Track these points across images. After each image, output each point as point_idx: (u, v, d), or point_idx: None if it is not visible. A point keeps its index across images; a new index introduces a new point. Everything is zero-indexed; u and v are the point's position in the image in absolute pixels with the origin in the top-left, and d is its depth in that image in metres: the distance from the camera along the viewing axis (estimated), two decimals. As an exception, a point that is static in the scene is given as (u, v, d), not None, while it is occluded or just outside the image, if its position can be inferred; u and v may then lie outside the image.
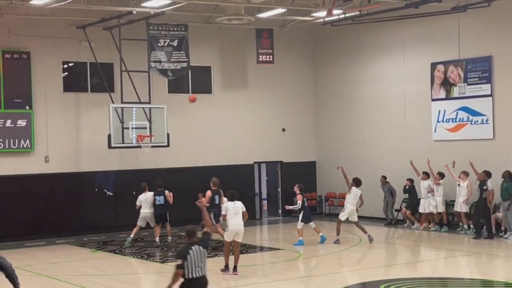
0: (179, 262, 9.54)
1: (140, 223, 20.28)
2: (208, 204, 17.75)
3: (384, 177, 24.17)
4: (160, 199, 20.17)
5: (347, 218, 20.02)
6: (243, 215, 15.37)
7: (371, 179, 24.25)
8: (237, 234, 15.26)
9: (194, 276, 9.57)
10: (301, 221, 19.83)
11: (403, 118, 24.50)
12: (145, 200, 20.23)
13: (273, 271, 16.53)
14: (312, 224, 20.05)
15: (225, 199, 17.08)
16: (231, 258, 15.52)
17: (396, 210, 24.20)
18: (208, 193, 18.56)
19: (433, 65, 23.33)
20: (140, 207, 20.19)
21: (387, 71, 25.16)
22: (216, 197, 18.76)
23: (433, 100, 23.36)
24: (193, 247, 9.68)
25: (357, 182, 20.16)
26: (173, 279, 9.58)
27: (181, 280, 9.59)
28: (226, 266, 15.53)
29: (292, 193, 27.16)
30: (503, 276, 15.46)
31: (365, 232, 19.91)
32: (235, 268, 15.43)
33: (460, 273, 15.95)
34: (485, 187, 19.94)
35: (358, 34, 25.80)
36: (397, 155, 24.49)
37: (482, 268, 16.45)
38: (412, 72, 24.17)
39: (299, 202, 19.90)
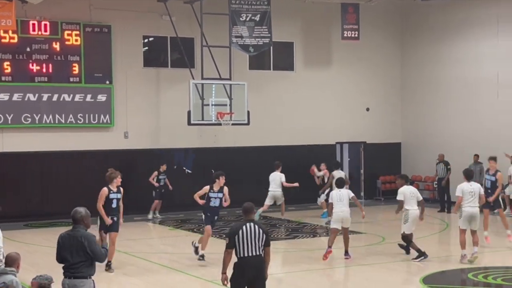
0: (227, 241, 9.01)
1: (268, 201, 20.17)
2: None
3: (477, 156, 22.80)
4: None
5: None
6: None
7: (458, 163, 23.03)
8: (343, 222, 15.27)
9: (246, 255, 8.86)
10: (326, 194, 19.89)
11: (495, 99, 23.24)
12: (273, 179, 20.17)
13: (354, 255, 15.82)
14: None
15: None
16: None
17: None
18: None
19: (530, 43, 22.05)
20: None
21: (479, 50, 23.91)
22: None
23: (528, 80, 22.09)
24: (247, 224, 8.94)
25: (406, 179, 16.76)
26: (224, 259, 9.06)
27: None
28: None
29: (374, 175, 26.60)
30: None
31: None
32: (346, 252, 15.30)
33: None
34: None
35: (450, 10, 24.59)
36: (487, 138, 23.22)
37: None
38: (507, 50, 22.91)
39: (322, 173, 21.11)
